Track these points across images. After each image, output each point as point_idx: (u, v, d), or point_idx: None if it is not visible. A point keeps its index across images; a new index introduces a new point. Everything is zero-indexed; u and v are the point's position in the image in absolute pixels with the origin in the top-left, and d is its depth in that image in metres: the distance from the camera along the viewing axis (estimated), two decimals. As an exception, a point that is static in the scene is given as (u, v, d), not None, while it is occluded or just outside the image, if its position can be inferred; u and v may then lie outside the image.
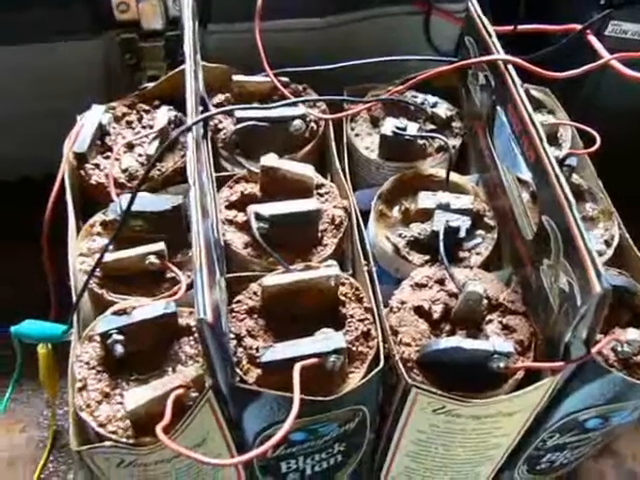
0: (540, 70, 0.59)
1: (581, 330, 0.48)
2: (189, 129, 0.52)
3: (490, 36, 0.60)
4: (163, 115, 0.66)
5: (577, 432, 0.60)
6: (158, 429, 0.46)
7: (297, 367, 0.49)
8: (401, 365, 0.53)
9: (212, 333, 0.44)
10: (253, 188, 0.62)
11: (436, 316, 0.56)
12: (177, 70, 0.66)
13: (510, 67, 0.57)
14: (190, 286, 0.56)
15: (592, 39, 0.63)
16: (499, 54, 0.58)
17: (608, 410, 0.57)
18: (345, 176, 0.63)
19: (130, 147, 0.65)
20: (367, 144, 0.68)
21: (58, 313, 0.64)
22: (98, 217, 0.61)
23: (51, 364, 0.65)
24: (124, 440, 0.50)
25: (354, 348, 0.54)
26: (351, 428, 0.57)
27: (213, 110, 0.65)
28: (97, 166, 0.64)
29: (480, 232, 0.62)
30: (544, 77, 0.60)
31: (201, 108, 0.60)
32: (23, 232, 0.65)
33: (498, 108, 0.59)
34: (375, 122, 0.69)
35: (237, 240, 0.59)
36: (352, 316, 0.55)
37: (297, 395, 0.47)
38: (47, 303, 0.65)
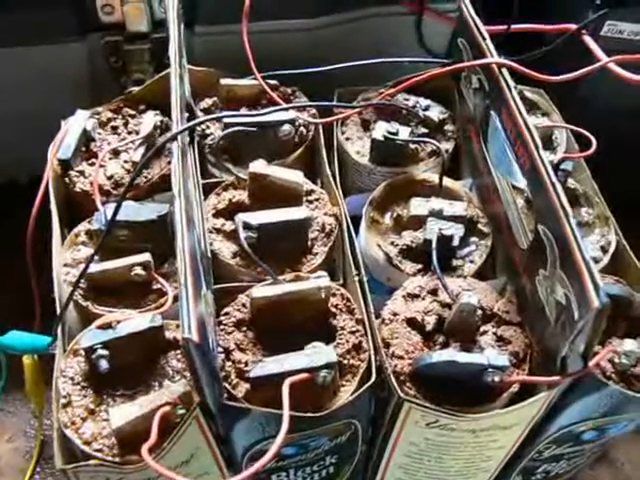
0: (536, 74, 0.58)
1: (578, 343, 0.47)
2: (174, 138, 0.51)
3: (484, 38, 0.58)
4: (149, 120, 0.64)
5: (573, 444, 0.59)
6: (143, 450, 0.45)
7: (287, 383, 0.47)
8: (393, 379, 0.51)
9: (198, 351, 0.43)
10: (241, 195, 0.61)
11: (429, 328, 0.54)
12: (163, 73, 0.65)
13: (504, 71, 0.56)
14: (177, 298, 0.54)
15: (588, 40, 0.61)
16: (493, 57, 0.57)
17: (605, 422, 0.56)
18: (335, 182, 0.62)
19: (115, 153, 0.64)
20: (358, 148, 0.66)
21: (43, 324, 0.62)
22: (83, 226, 0.60)
23: (37, 374, 0.64)
24: (110, 458, 0.49)
25: (345, 361, 0.53)
26: (343, 441, 0.56)
27: (200, 115, 0.64)
28: (82, 173, 0.62)
29: (474, 239, 0.60)
30: (540, 80, 0.58)
31: (187, 114, 0.58)
32: (8, 238, 0.64)
33: (492, 113, 0.58)
34: (366, 126, 0.67)
35: (225, 249, 0.58)
36: (343, 328, 0.54)
37: (287, 412, 0.46)
38: (33, 312, 0.64)
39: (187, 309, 0.42)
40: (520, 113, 0.53)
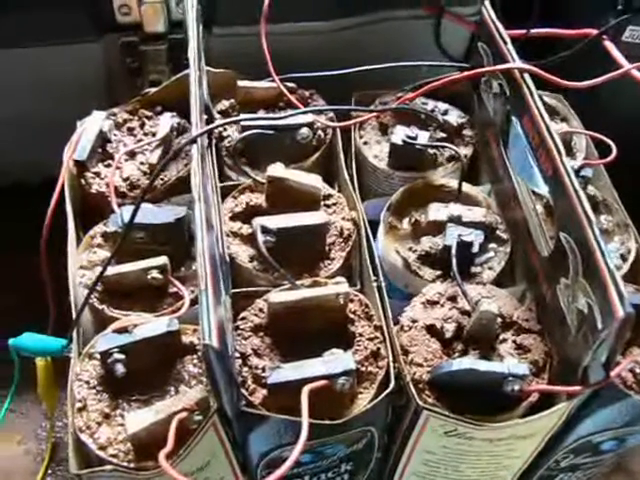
0: (558, 80, 0.57)
1: (601, 353, 0.46)
2: (194, 141, 0.51)
3: (505, 43, 0.58)
4: (166, 122, 0.64)
5: (591, 454, 0.58)
6: (161, 456, 0.44)
7: (305, 390, 0.47)
8: (412, 386, 0.51)
9: (218, 358, 0.42)
10: (258, 199, 0.60)
11: (448, 335, 0.54)
12: (180, 75, 0.64)
13: (526, 76, 0.55)
14: (194, 302, 0.54)
15: (609, 46, 0.61)
16: (515, 62, 0.56)
17: (625, 432, 0.55)
18: (353, 186, 0.61)
19: (132, 155, 0.63)
20: (376, 152, 0.66)
21: (57, 326, 0.62)
22: (99, 228, 0.60)
23: (50, 377, 0.63)
24: (125, 464, 0.48)
25: (363, 368, 0.52)
26: (359, 448, 0.55)
27: (218, 118, 0.64)
28: (98, 175, 0.62)
29: (492, 245, 0.60)
30: (562, 86, 0.58)
31: (205, 117, 0.58)
32: (21, 239, 0.63)
33: (513, 118, 0.57)
34: (384, 130, 0.67)
35: (242, 253, 0.57)
36: (361, 334, 0.54)
37: (306, 420, 0.45)
38: (48, 313, 0.64)
39: (207, 315, 0.42)
40: (543, 119, 0.52)
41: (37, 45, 0.69)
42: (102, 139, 0.64)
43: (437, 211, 0.60)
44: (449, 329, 0.54)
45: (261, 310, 0.54)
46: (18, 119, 0.71)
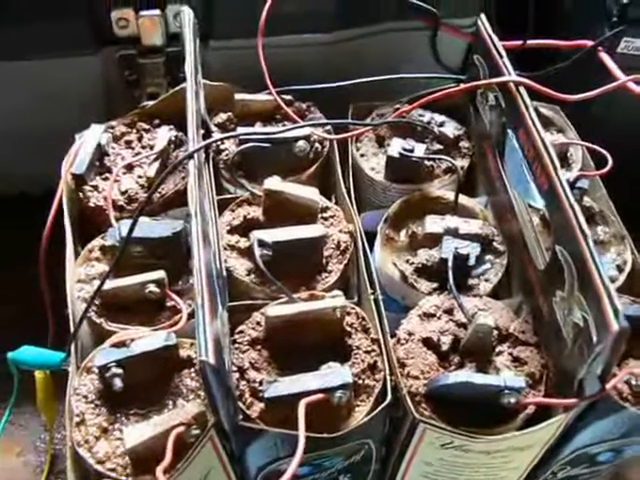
0: (553, 92, 0.57)
1: (596, 366, 0.46)
2: (191, 156, 0.51)
3: (501, 56, 0.58)
4: (163, 135, 0.64)
5: (588, 465, 0.59)
6: (158, 471, 0.44)
7: (302, 404, 0.47)
8: (409, 399, 0.51)
9: (215, 373, 0.42)
10: (256, 212, 0.60)
11: (445, 348, 0.54)
12: (178, 88, 0.65)
13: (522, 89, 0.56)
14: (191, 315, 0.54)
15: (605, 57, 0.61)
16: (510, 75, 0.57)
17: (621, 444, 0.55)
18: (350, 198, 0.62)
19: (129, 168, 0.63)
20: (373, 165, 0.66)
21: (56, 339, 0.62)
22: (97, 242, 0.60)
23: (49, 389, 0.63)
24: (123, 478, 0.49)
25: (360, 381, 0.52)
26: (357, 460, 0.55)
27: (215, 131, 0.64)
28: (96, 188, 0.62)
29: (489, 257, 0.60)
30: (556, 98, 0.58)
31: (202, 130, 0.58)
32: (23, 250, 0.63)
33: (509, 131, 0.58)
34: (381, 142, 0.67)
35: (239, 267, 0.58)
36: (358, 347, 0.54)
37: (302, 433, 0.46)
38: (47, 324, 0.64)
39: (204, 331, 0.42)
40: (538, 132, 0.52)
41: (36, 58, 0.69)
42: (100, 152, 0.64)
43: (434, 223, 0.60)
44: (445, 342, 0.54)
45: (258, 323, 0.54)
46: (18, 131, 0.71)
